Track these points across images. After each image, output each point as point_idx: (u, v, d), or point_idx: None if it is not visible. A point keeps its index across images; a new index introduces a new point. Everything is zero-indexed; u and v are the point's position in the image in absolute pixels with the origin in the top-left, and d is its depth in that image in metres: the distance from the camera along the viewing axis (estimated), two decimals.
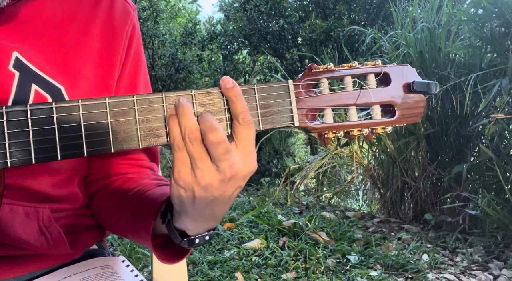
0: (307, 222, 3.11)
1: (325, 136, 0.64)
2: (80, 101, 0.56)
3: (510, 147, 3.18)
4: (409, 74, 0.65)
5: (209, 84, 11.31)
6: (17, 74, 0.68)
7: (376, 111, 0.65)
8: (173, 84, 9.35)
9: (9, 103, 0.67)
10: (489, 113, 3.09)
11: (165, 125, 0.59)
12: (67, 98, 0.72)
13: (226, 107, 0.60)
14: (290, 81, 0.62)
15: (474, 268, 2.60)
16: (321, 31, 7.28)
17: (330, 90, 0.63)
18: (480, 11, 3.26)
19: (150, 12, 9.11)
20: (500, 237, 2.94)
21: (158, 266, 0.96)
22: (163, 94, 0.58)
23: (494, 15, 2.98)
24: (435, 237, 3.16)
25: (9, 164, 0.54)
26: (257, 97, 0.62)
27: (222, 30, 9.72)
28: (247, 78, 11.52)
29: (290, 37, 8.41)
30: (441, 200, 3.53)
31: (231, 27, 9.12)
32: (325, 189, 4.85)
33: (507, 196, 2.88)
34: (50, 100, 0.70)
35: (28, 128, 0.55)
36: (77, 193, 0.81)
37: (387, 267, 2.54)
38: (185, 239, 0.65)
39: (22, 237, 0.72)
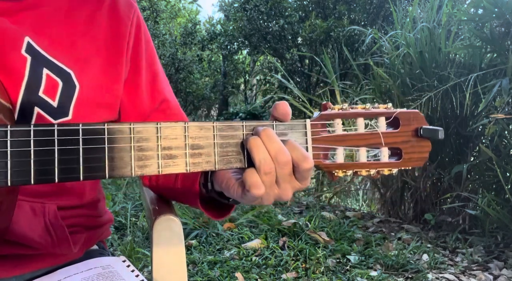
0: (307, 222, 3.11)
1: (335, 174, 0.67)
2: (106, 125, 0.57)
3: (510, 147, 3.17)
4: (418, 119, 0.69)
5: (209, 84, 11.31)
6: (29, 58, 0.70)
7: (384, 153, 0.68)
8: (173, 84, 9.34)
9: (23, 87, 0.70)
10: (489, 113, 3.08)
11: (185, 154, 0.60)
12: (76, 82, 0.75)
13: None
14: (308, 120, 0.65)
15: (474, 268, 2.60)
16: (321, 31, 7.28)
17: (343, 130, 0.67)
18: (480, 11, 3.25)
19: (150, 12, 9.12)
20: (500, 237, 2.94)
21: (158, 266, 0.96)
22: (186, 123, 0.60)
23: (494, 15, 2.98)
24: (435, 237, 3.16)
25: (32, 181, 0.54)
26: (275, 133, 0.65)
27: (222, 30, 9.73)
28: (247, 78, 11.52)
29: (290, 37, 8.41)
30: (441, 200, 3.53)
31: (231, 27, 9.13)
32: (325, 189, 4.85)
33: (507, 196, 2.88)
34: (61, 84, 0.73)
35: (54, 146, 0.55)
36: (84, 185, 0.83)
37: (387, 267, 2.54)
38: (230, 199, 0.71)
39: (27, 234, 0.73)
